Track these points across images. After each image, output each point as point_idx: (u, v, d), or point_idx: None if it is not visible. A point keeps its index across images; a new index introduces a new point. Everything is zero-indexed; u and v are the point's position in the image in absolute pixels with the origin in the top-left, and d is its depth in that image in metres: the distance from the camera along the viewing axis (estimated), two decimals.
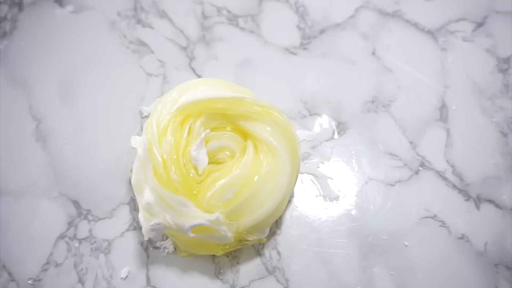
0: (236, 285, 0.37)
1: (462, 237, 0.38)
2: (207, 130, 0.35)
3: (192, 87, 0.36)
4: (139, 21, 0.47)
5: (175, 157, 0.33)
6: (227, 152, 0.36)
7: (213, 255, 0.37)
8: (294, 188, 0.39)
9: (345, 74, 0.44)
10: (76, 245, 0.38)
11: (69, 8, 0.48)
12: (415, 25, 0.46)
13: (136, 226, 0.39)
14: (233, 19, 0.47)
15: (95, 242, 0.38)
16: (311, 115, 0.43)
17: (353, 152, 0.41)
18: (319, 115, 0.43)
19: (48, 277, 0.37)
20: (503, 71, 0.44)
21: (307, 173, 0.41)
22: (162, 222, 0.33)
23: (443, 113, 0.43)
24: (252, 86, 0.44)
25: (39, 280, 0.37)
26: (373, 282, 0.37)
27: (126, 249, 0.38)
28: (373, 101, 0.43)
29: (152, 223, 0.33)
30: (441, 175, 0.40)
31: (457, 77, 0.44)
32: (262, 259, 0.38)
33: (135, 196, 0.39)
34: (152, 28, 0.47)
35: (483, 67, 0.44)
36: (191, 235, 0.33)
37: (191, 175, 0.34)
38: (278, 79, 0.44)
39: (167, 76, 0.45)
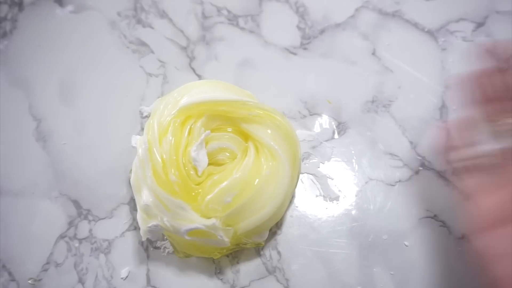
0: (236, 285, 0.37)
1: (462, 237, 0.38)
2: (207, 131, 0.35)
3: (194, 88, 0.36)
4: (139, 21, 0.47)
5: (175, 157, 0.33)
6: (227, 154, 0.36)
7: None
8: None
9: (345, 74, 0.44)
10: (76, 245, 0.38)
11: (69, 8, 0.48)
12: (415, 25, 0.46)
13: (136, 226, 0.39)
14: (233, 19, 0.47)
15: (95, 242, 0.38)
16: (311, 115, 0.43)
17: (353, 152, 0.41)
18: (319, 115, 0.43)
19: (48, 277, 0.38)
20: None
21: (307, 173, 0.41)
22: (159, 224, 0.33)
23: (443, 113, 0.43)
24: (252, 86, 0.44)
25: (39, 280, 0.37)
26: (373, 282, 0.37)
27: (126, 249, 0.38)
28: (373, 101, 0.43)
29: (149, 224, 0.33)
30: (441, 175, 0.40)
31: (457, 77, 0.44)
32: (262, 259, 0.38)
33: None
34: (152, 28, 0.47)
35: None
36: (188, 238, 0.33)
37: (191, 175, 0.33)
38: (278, 79, 0.44)
39: (167, 76, 0.45)
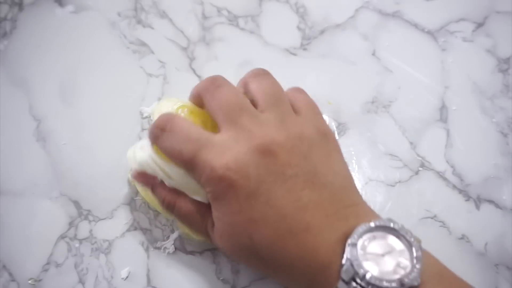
0: (236, 285, 0.37)
1: (462, 237, 0.38)
2: None
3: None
4: (139, 21, 0.47)
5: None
6: None
7: (213, 256, 0.38)
8: None
9: (345, 75, 0.44)
10: (77, 245, 0.38)
11: (69, 8, 0.47)
12: (415, 25, 0.46)
13: (137, 227, 0.39)
14: (233, 20, 0.47)
15: (95, 242, 0.38)
16: None
17: (353, 152, 0.41)
18: None
19: (48, 277, 0.37)
20: (504, 71, 0.44)
21: None
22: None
23: (443, 113, 0.43)
24: None
25: (40, 280, 0.37)
26: None
27: (127, 250, 0.38)
28: (373, 102, 0.43)
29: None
30: (441, 175, 0.40)
31: (457, 78, 0.44)
32: None
33: (135, 196, 0.39)
34: (153, 28, 0.47)
35: (483, 68, 0.44)
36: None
37: None
38: (278, 80, 0.44)
39: (168, 77, 0.45)
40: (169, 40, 0.46)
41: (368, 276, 0.24)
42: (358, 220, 0.28)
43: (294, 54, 0.45)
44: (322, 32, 0.46)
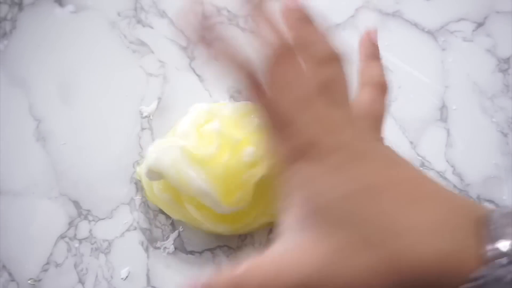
0: None
1: None
2: None
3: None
4: (139, 21, 0.47)
5: None
6: None
7: (213, 256, 0.37)
8: None
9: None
10: (76, 245, 0.38)
11: (69, 8, 0.47)
12: (415, 25, 0.46)
13: (136, 226, 0.39)
14: (233, 19, 0.47)
15: (95, 242, 0.38)
16: None
17: None
18: None
19: (48, 277, 0.37)
20: (503, 71, 0.44)
21: None
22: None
23: (443, 113, 0.43)
24: None
25: (39, 280, 0.37)
26: None
27: (126, 249, 0.38)
28: None
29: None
30: (441, 175, 0.40)
31: (457, 77, 0.44)
32: None
33: (135, 196, 0.39)
34: (152, 28, 0.47)
35: (483, 67, 0.44)
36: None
37: None
38: None
39: (167, 76, 0.45)
40: (169, 39, 0.46)
41: None
42: (473, 203, 0.24)
43: None
44: None
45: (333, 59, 0.28)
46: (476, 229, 0.21)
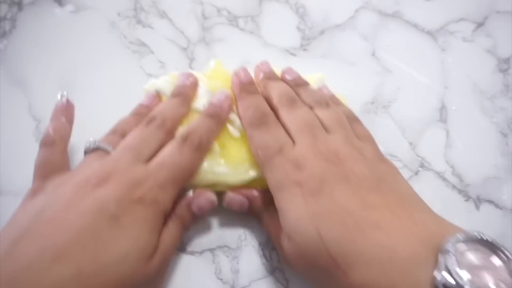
0: (236, 285, 0.37)
1: None
2: None
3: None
4: (139, 21, 0.47)
5: None
6: None
7: (213, 256, 0.37)
8: None
9: (345, 75, 0.44)
10: None
11: (69, 7, 0.47)
12: (415, 25, 0.46)
13: None
14: (233, 20, 0.47)
15: None
16: None
17: None
18: None
19: None
20: (503, 71, 0.44)
21: None
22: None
23: (442, 113, 0.43)
24: None
25: None
26: None
27: None
28: (372, 102, 0.43)
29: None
30: (440, 175, 0.40)
31: (457, 78, 0.44)
32: (262, 260, 0.38)
33: None
34: (152, 28, 0.47)
35: (483, 68, 0.44)
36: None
37: None
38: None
39: None
40: (169, 40, 0.46)
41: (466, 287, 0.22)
42: (441, 228, 0.26)
43: (294, 55, 0.45)
44: (322, 32, 0.46)
45: None
46: (432, 256, 0.24)
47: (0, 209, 0.40)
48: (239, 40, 0.46)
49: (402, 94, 0.43)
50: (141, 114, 0.38)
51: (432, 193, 0.40)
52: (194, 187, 0.36)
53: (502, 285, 0.23)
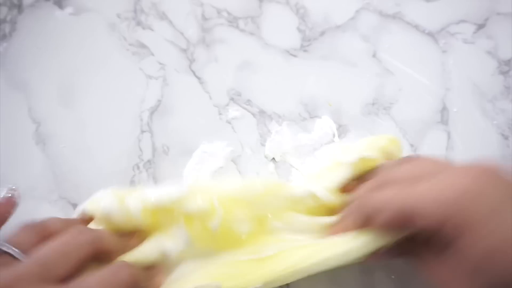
0: None
1: None
2: None
3: None
4: (139, 23, 0.47)
5: None
6: None
7: None
8: None
9: (346, 76, 0.44)
10: None
11: (69, 10, 0.47)
12: (416, 27, 0.46)
13: None
14: (233, 21, 0.47)
15: None
16: (311, 117, 0.43)
17: None
18: (320, 117, 0.43)
19: None
20: (504, 73, 0.44)
21: None
22: None
23: (444, 115, 0.43)
24: (252, 88, 0.44)
25: None
26: (374, 286, 0.37)
27: None
28: (373, 104, 0.43)
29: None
30: None
31: (458, 79, 0.44)
32: None
33: None
34: (152, 30, 0.46)
35: (484, 69, 0.44)
36: None
37: None
38: (278, 81, 0.44)
39: (167, 79, 0.44)
40: (168, 41, 0.46)
41: None
42: None
43: (294, 56, 0.45)
44: (322, 33, 0.46)
45: None
46: None
47: None
48: (239, 41, 0.46)
49: (403, 95, 0.43)
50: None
51: None
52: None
53: None
